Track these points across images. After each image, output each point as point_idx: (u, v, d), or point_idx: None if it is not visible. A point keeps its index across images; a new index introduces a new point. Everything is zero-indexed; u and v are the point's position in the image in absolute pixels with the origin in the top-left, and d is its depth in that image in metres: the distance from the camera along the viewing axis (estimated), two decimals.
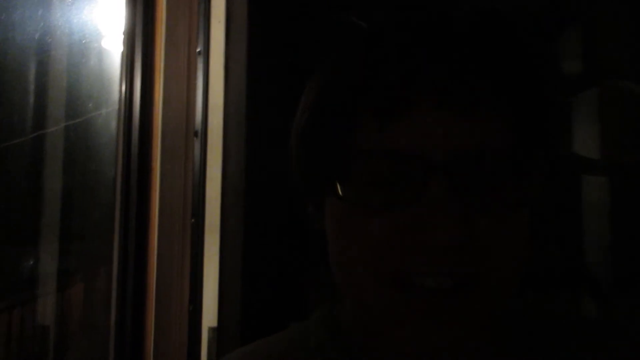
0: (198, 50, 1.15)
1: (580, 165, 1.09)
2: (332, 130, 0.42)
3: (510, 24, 0.43)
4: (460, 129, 0.38)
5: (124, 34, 1.24)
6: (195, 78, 1.14)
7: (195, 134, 1.12)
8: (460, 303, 0.39)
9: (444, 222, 0.37)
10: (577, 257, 1.09)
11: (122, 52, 1.22)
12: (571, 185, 1.10)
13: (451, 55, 0.39)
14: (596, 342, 0.49)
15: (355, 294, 0.44)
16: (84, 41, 1.39)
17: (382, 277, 0.40)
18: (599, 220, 1.10)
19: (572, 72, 1.13)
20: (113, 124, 1.29)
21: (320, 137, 0.43)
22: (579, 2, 1.15)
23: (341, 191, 0.41)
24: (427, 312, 0.39)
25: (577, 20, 1.14)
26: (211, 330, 1.02)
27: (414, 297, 0.39)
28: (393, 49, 0.41)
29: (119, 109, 1.19)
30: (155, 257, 1.09)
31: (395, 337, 0.43)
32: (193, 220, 1.09)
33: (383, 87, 0.39)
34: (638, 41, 1.10)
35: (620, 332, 0.51)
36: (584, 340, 0.49)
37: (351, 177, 0.41)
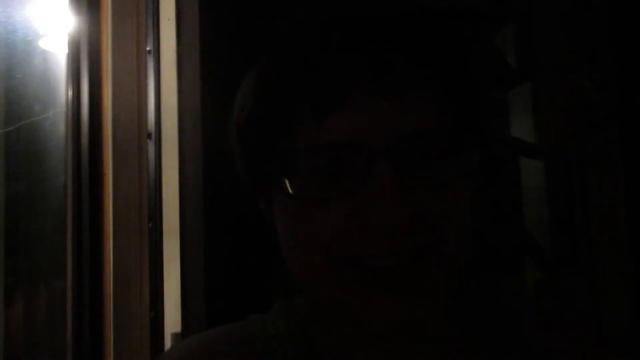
0: (148, 49, 1.12)
1: (519, 148, 1.15)
2: (271, 128, 0.43)
3: (437, 9, 0.45)
4: (395, 114, 0.40)
5: (67, 34, 1.18)
6: (146, 78, 1.11)
7: (149, 135, 1.08)
8: (411, 279, 0.40)
9: (389, 204, 0.38)
10: (523, 232, 1.15)
11: (67, 53, 1.17)
12: (512, 167, 1.16)
13: (380, 44, 0.41)
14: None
15: (310, 281, 0.45)
16: (27, 39, 1.32)
17: (334, 261, 0.41)
18: (537, 199, 1.16)
19: (511, 64, 1.18)
20: (60, 128, 1.23)
21: (260, 135, 0.44)
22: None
23: (287, 187, 0.42)
24: (380, 290, 0.40)
25: (514, 15, 1.19)
26: (174, 336, 1.00)
27: (367, 277, 0.40)
28: (321, 43, 0.42)
29: (66, 112, 1.14)
30: (112, 264, 1.05)
31: (353, 320, 0.44)
32: (150, 224, 1.05)
33: (315, 81, 0.40)
34: (571, 35, 1.16)
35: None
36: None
37: (295, 172, 0.42)
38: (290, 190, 0.41)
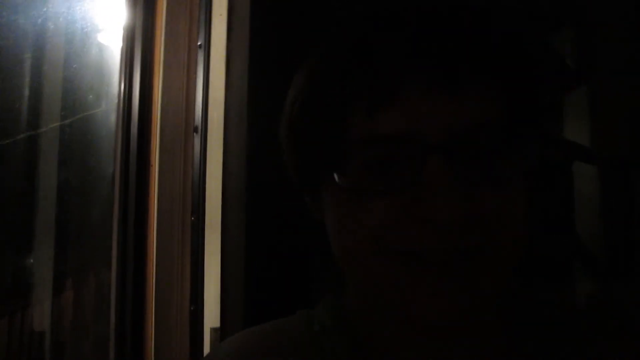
0: (199, 43, 1.13)
1: (575, 152, 1.11)
2: (325, 120, 0.43)
3: (495, 6, 0.45)
4: (452, 108, 0.39)
5: (123, 28, 1.21)
6: (195, 72, 1.12)
7: (195, 129, 1.09)
8: (465, 274, 0.40)
9: (444, 198, 0.38)
10: (574, 239, 1.11)
11: (122, 47, 1.20)
12: (567, 171, 1.12)
13: (438, 37, 0.40)
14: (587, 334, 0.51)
15: (360, 274, 0.45)
16: (85, 31, 1.36)
17: (385, 252, 0.41)
18: (593, 207, 1.12)
19: (569, 67, 1.14)
20: (112, 118, 1.26)
21: (313, 127, 0.45)
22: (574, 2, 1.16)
23: (340, 178, 0.42)
24: (433, 284, 0.40)
25: (573, 16, 1.15)
26: (213, 330, 1.00)
27: (417, 270, 0.40)
28: (379, 35, 0.42)
29: (118, 104, 1.17)
30: (155, 256, 1.06)
31: (400, 313, 0.43)
32: (193, 217, 1.06)
33: (374, 73, 0.40)
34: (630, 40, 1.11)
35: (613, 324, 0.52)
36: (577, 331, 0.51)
37: (349, 164, 0.42)
38: (343, 182, 0.42)
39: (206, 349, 1.00)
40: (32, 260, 1.58)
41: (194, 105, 1.10)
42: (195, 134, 1.09)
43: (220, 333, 0.98)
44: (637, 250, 1.06)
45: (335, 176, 0.42)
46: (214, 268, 1.00)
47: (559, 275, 1.06)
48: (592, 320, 0.52)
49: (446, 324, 0.41)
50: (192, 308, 1.03)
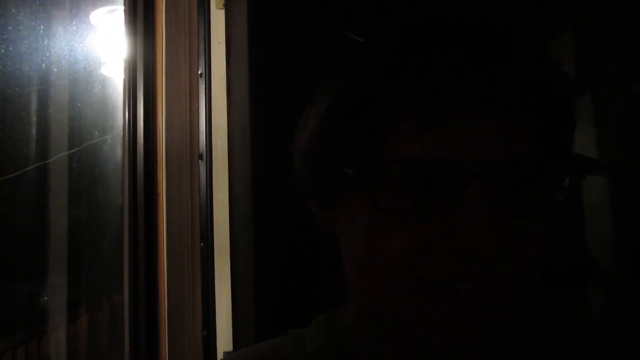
0: (199, 72, 1.15)
1: (585, 165, 1.10)
2: (358, 139, 0.41)
3: (531, 31, 0.44)
4: (495, 137, 0.38)
5: (124, 61, 1.24)
6: (197, 100, 1.14)
7: (200, 156, 1.11)
8: (488, 302, 0.39)
9: (482, 229, 0.37)
10: (586, 254, 1.10)
11: (124, 79, 1.22)
12: (576, 185, 1.12)
13: (486, 63, 0.39)
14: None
15: (378, 299, 0.43)
16: (88, 69, 1.40)
17: (413, 281, 0.40)
18: (603, 218, 1.11)
19: (572, 75, 1.14)
20: (118, 150, 1.29)
21: (342, 146, 0.43)
22: (573, 5, 1.16)
23: (372, 199, 0.40)
24: (456, 313, 0.39)
25: (571, 23, 1.15)
26: (227, 354, 1.01)
27: (446, 299, 0.39)
28: (425, 57, 0.40)
29: (123, 135, 1.19)
30: (166, 283, 1.08)
31: (421, 340, 0.42)
32: (202, 243, 1.07)
33: (422, 94, 0.39)
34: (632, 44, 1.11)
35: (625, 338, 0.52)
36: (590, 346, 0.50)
37: (382, 185, 0.40)
38: (375, 203, 0.40)
39: None
40: (44, 290, 1.59)
41: (198, 132, 1.12)
42: (200, 161, 1.11)
43: None
44: None
45: (368, 196, 0.40)
46: (225, 292, 1.02)
47: (569, 288, 1.05)
48: (604, 334, 0.52)
49: (462, 351, 0.40)
50: (204, 333, 1.04)
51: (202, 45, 1.15)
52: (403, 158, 0.39)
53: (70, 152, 1.54)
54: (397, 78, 0.40)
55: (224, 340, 1.02)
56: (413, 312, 0.40)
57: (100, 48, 1.45)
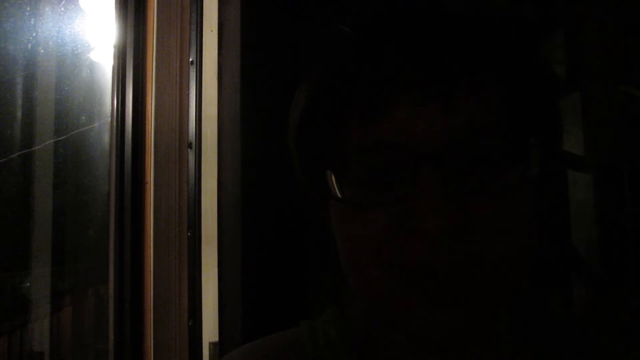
0: (190, 60, 1.13)
1: (572, 163, 1.11)
2: (323, 132, 0.44)
3: (485, 13, 0.44)
4: (445, 118, 0.39)
5: (114, 46, 1.22)
6: (188, 88, 1.13)
7: (189, 145, 1.10)
8: (463, 286, 0.39)
9: (436, 209, 0.37)
10: (573, 251, 1.10)
11: (113, 65, 1.20)
12: (563, 182, 1.12)
13: (430, 47, 0.40)
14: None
15: (363, 286, 0.44)
16: (75, 52, 1.37)
17: (385, 266, 0.41)
18: (590, 216, 1.12)
19: (561, 73, 1.14)
20: (106, 137, 1.27)
21: (312, 140, 0.46)
22: (566, 6, 1.16)
23: (338, 191, 0.42)
24: (431, 296, 0.39)
25: (564, 23, 1.15)
26: (212, 345, 1.00)
27: (418, 284, 0.40)
28: (372, 48, 0.42)
29: (111, 122, 1.17)
30: (152, 272, 1.06)
31: (405, 326, 0.42)
32: (189, 233, 1.06)
33: (365, 86, 0.41)
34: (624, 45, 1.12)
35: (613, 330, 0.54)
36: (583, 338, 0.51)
37: (346, 176, 0.42)
38: (339, 194, 0.42)
39: None
40: (29, 278, 1.57)
41: (188, 121, 1.10)
42: (189, 149, 1.09)
43: (219, 347, 0.98)
44: (632, 256, 1.07)
45: (335, 188, 0.42)
46: (212, 282, 1.01)
47: (555, 282, 1.06)
48: (589, 326, 0.52)
49: (446, 337, 0.40)
50: (190, 323, 1.03)
51: (193, 33, 1.14)
52: (358, 147, 0.41)
53: (56, 140, 1.52)
54: (346, 73, 0.43)
55: (210, 330, 1.01)
56: (390, 296, 0.41)
57: (89, 32, 1.42)
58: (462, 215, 0.38)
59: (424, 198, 0.37)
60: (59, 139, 1.51)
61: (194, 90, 1.11)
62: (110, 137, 1.19)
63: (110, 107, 1.20)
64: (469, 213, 0.38)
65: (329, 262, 0.47)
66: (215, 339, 0.99)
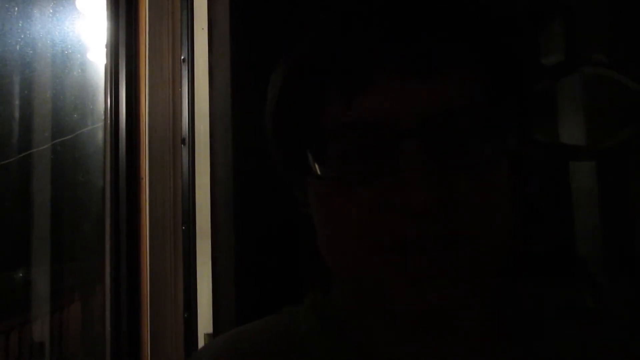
0: (182, 57, 1.15)
1: (567, 153, 1.11)
2: (302, 111, 0.43)
3: None
4: (424, 93, 0.39)
5: (106, 46, 1.24)
6: (180, 86, 1.15)
7: (183, 141, 1.11)
8: (449, 262, 0.39)
9: (419, 184, 0.37)
10: (570, 247, 1.10)
11: (106, 64, 1.22)
12: (561, 176, 1.12)
13: (409, 22, 0.40)
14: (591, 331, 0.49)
15: (345, 267, 0.44)
16: (66, 52, 1.39)
17: (371, 246, 0.40)
18: (589, 209, 1.12)
19: (552, 57, 1.14)
20: (100, 135, 1.29)
21: (292, 118, 0.44)
22: None
23: (319, 170, 0.42)
24: (418, 273, 0.39)
25: (554, 7, 1.15)
26: (207, 336, 1.02)
27: (405, 260, 0.39)
28: (350, 22, 0.42)
29: (105, 120, 1.19)
30: (148, 265, 1.09)
31: (390, 305, 0.42)
32: (184, 227, 1.08)
33: (344, 62, 0.40)
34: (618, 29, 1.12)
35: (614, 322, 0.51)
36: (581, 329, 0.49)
37: (326, 154, 0.41)
38: (322, 173, 0.42)
39: None
40: (28, 274, 1.59)
41: (181, 117, 1.12)
42: (183, 145, 1.11)
43: (214, 338, 1.00)
44: (630, 248, 1.06)
45: (316, 166, 0.42)
46: (206, 275, 1.03)
47: (548, 272, 1.06)
48: (583, 318, 0.51)
49: (432, 315, 0.40)
50: (185, 315, 1.05)
51: (185, 31, 1.15)
52: (339, 125, 0.40)
53: (53, 142, 1.53)
54: (325, 50, 0.42)
55: (205, 322, 1.03)
56: (376, 276, 0.41)
57: (84, 33, 1.44)
58: (445, 189, 0.38)
59: (409, 173, 0.37)
60: (56, 141, 1.53)
61: (187, 87, 1.12)
62: (105, 134, 1.21)
63: (104, 106, 1.22)
64: (451, 187, 0.38)
65: (320, 255, 0.47)
66: (210, 330, 1.01)
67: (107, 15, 1.24)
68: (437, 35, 0.40)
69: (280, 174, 0.51)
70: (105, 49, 1.25)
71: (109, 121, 1.18)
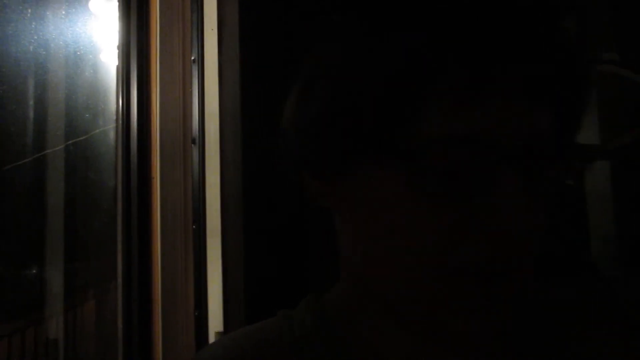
0: (192, 58, 1.16)
1: (584, 153, 1.10)
2: (392, 113, 0.39)
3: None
4: (528, 118, 0.38)
5: (118, 47, 1.25)
6: (191, 86, 1.16)
7: (193, 141, 1.13)
8: (508, 287, 0.39)
9: (518, 210, 0.37)
10: (579, 246, 1.10)
11: (117, 65, 1.24)
12: (575, 175, 1.12)
13: (524, 45, 0.38)
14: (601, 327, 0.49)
15: (393, 288, 0.41)
16: (79, 53, 1.41)
17: (437, 267, 0.38)
18: (601, 208, 1.11)
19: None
20: (112, 136, 1.30)
21: (372, 118, 0.40)
22: None
23: (407, 176, 0.39)
24: (483, 299, 0.38)
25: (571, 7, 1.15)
26: (218, 335, 1.03)
27: (478, 285, 0.38)
28: (464, 36, 0.38)
29: (117, 120, 1.21)
30: (159, 264, 1.10)
31: (439, 328, 0.40)
32: (194, 226, 1.09)
33: (462, 70, 0.37)
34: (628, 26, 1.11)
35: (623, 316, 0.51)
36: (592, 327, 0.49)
37: (415, 162, 0.38)
38: (406, 182, 0.39)
39: None
40: (42, 272, 1.62)
41: (191, 117, 1.13)
42: (193, 145, 1.12)
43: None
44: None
45: (403, 173, 0.39)
46: (217, 273, 1.04)
47: (558, 273, 1.05)
48: (592, 318, 0.50)
49: (476, 337, 0.39)
50: (196, 313, 1.06)
51: (195, 32, 1.17)
52: (444, 135, 0.37)
53: (66, 143, 1.56)
54: (438, 53, 0.38)
55: (216, 320, 1.04)
56: (437, 297, 0.39)
57: (98, 35, 1.46)
58: (536, 216, 0.38)
59: (509, 197, 0.37)
60: (69, 142, 1.55)
61: (197, 88, 1.14)
62: (116, 135, 1.22)
63: (116, 107, 1.24)
64: (534, 215, 0.38)
65: (329, 253, 0.46)
66: (221, 328, 1.02)
67: (119, 17, 1.25)
68: (545, 64, 0.39)
69: (301, 178, 0.48)
70: (117, 50, 1.27)
71: (120, 121, 1.19)
